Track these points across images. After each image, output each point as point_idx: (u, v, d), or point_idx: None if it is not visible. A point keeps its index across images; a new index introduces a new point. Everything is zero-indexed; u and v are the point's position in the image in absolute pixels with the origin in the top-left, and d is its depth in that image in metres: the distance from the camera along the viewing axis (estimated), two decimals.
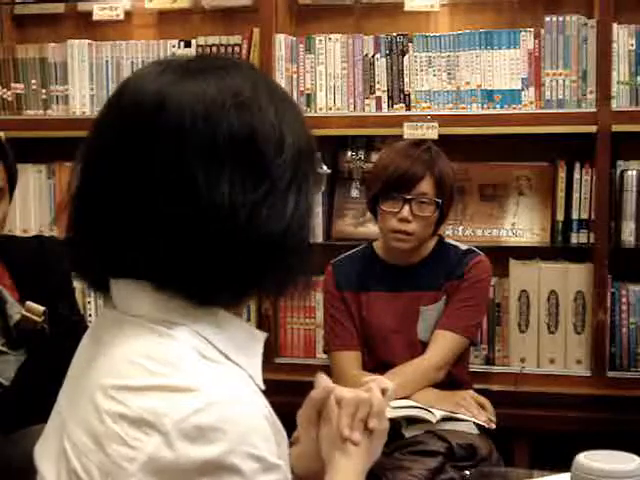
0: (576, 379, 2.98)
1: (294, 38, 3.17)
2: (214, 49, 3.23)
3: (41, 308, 2.32)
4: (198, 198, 0.98)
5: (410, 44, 3.08)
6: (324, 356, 2.92)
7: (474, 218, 3.17)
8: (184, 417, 0.93)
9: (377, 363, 2.64)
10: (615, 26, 2.92)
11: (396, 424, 2.39)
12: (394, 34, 3.10)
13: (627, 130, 2.90)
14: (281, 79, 3.12)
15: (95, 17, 3.29)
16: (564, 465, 1.59)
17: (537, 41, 3.00)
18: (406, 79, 3.09)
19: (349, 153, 3.30)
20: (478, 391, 2.66)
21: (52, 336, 2.32)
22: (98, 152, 1.05)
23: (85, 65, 3.33)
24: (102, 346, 1.04)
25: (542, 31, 2.99)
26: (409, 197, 2.55)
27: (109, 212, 1.02)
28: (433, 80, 3.07)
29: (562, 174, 3.05)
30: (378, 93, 3.11)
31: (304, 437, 1.30)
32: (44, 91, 3.38)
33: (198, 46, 3.24)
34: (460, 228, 3.16)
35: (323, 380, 1.27)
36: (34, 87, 3.38)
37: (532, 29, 3.01)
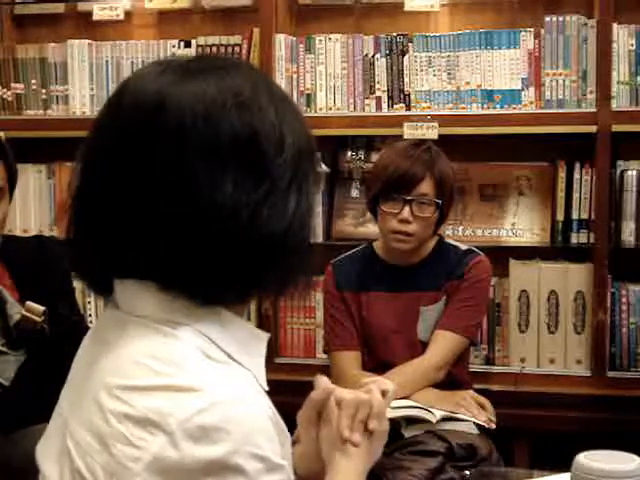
0: (576, 379, 2.98)
1: (294, 38, 3.17)
2: (214, 49, 3.23)
3: (41, 308, 2.32)
4: (200, 198, 0.98)
5: (410, 44, 3.08)
6: (324, 356, 2.92)
7: (474, 218, 3.17)
8: (189, 417, 0.93)
9: (377, 363, 2.64)
10: (615, 26, 2.92)
11: (396, 424, 2.39)
12: (394, 34, 3.10)
13: (627, 130, 2.90)
14: (281, 79, 3.12)
15: (95, 17, 3.29)
16: (564, 465, 1.59)
17: (537, 41, 3.00)
18: (406, 79, 3.09)
19: (349, 153, 3.30)
20: (478, 391, 2.66)
21: (52, 336, 2.32)
22: (98, 152, 1.05)
23: (85, 65, 3.33)
24: (105, 346, 1.04)
25: (542, 31, 2.99)
26: (409, 198, 2.55)
27: (109, 212, 1.02)
28: (433, 80, 3.07)
29: (562, 174, 3.05)
30: (378, 93, 3.11)
31: (304, 438, 1.30)
32: (44, 91, 3.38)
33: (198, 46, 3.24)
34: (460, 228, 3.16)
35: (323, 381, 1.27)
36: (34, 87, 3.38)
37: (532, 29, 3.01)
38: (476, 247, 2.72)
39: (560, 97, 2.98)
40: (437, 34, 3.09)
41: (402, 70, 3.09)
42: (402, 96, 3.10)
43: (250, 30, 3.19)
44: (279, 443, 0.99)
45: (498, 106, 3.03)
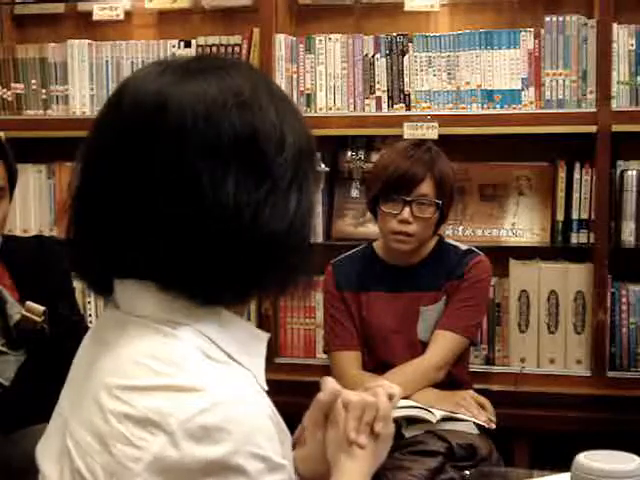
0: (576, 379, 2.98)
1: (294, 38, 3.17)
2: (214, 49, 3.23)
3: (41, 308, 2.32)
4: (202, 198, 0.98)
5: (410, 44, 3.08)
6: (324, 356, 2.92)
7: (474, 218, 3.17)
8: (189, 417, 0.93)
9: (377, 363, 2.64)
10: (615, 26, 2.92)
11: (396, 424, 2.39)
12: (394, 34, 3.10)
13: (627, 130, 2.90)
14: (281, 79, 3.12)
15: (95, 17, 3.29)
16: (564, 465, 1.59)
17: (537, 41, 3.00)
18: (406, 79, 3.09)
19: (349, 153, 3.30)
20: (478, 391, 2.66)
21: (52, 336, 2.32)
22: (98, 152, 1.05)
23: (85, 65, 3.33)
24: (105, 346, 1.04)
25: (542, 31, 2.99)
26: (409, 199, 2.55)
27: (109, 212, 1.02)
28: (433, 80, 3.07)
29: (562, 174, 3.05)
30: (378, 93, 3.11)
31: (310, 439, 1.30)
32: (44, 91, 3.38)
33: (198, 46, 3.24)
34: (460, 228, 3.16)
35: (330, 383, 1.27)
36: (34, 87, 3.38)
37: (532, 29, 3.01)
38: (476, 247, 2.72)
39: (560, 97, 2.98)
40: (437, 34, 3.09)
41: (402, 70, 3.09)
42: (402, 96, 3.10)
43: (250, 30, 3.19)
44: (279, 443, 0.99)
45: (498, 106, 3.03)
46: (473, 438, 2.45)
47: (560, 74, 2.98)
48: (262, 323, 3.08)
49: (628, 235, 2.96)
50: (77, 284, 2.50)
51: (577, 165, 3.02)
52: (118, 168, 1.01)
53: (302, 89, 3.16)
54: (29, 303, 2.32)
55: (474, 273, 2.63)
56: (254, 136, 1.01)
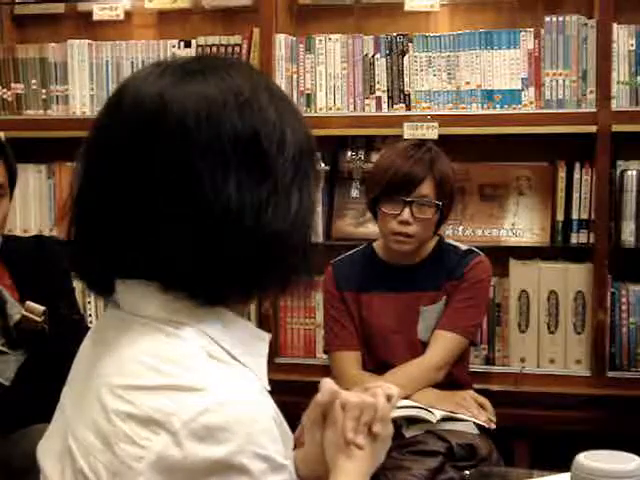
0: (576, 379, 2.98)
1: (294, 38, 3.17)
2: (214, 49, 3.23)
3: (41, 308, 2.32)
4: (202, 198, 0.98)
5: (410, 44, 3.08)
6: (324, 356, 2.92)
7: (474, 218, 3.17)
8: (193, 417, 0.93)
9: (377, 363, 2.64)
10: (615, 26, 2.92)
11: (396, 424, 2.39)
12: (394, 34, 3.10)
13: (627, 130, 2.90)
14: (281, 79, 3.12)
15: (95, 17, 3.29)
16: (564, 465, 1.59)
17: (537, 41, 3.00)
18: (406, 79, 3.09)
19: (349, 153, 3.30)
20: (478, 391, 2.66)
21: (52, 336, 2.33)
22: (98, 153, 1.05)
23: (85, 65, 3.33)
24: (107, 346, 1.04)
25: (542, 31, 2.99)
26: (409, 199, 2.55)
27: (109, 212, 1.02)
28: (433, 80, 3.07)
29: (562, 174, 3.05)
30: (378, 93, 3.11)
31: (309, 440, 1.30)
32: (44, 91, 3.38)
33: (198, 46, 3.24)
34: (460, 228, 3.16)
35: (328, 384, 1.27)
36: (34, 87, 3.38)
37: (532, 29, 3.01)
38: (476, 247, 2.72)
39: (560, 97, 2.98)
40: (437, 34, 3.09)
41: (402, 70, 3.09)
42: (402, 96, 3.10)
43: (250, 30, 3.19)
44: (282, 444, 0.99)
45: (498, 106, 3.03)
46: (473, 438, 2.45)
47: (560, 74, 2.98)
48: (262, 323, 3.08)
49: (628, 235, 2.96)
50: (77, 284, 2.50)
51: (577, 165, 3.02)
52: (118, 168, 1.01)
53: (302, 89, 3.16)
54: (29, 303, 2.32)
55: (474, 273, 2.63)
56: (255, 136, 1.01)
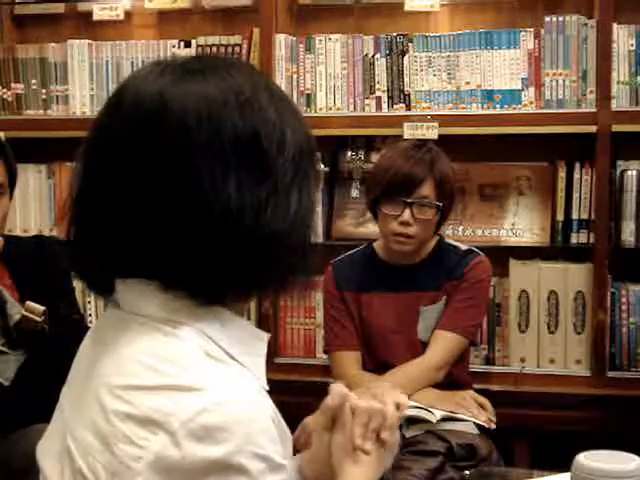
0: (576, 379, 2.98)
1: (294, 38, 3.17)
2: (214, 49, 3.23)
3: (41, 308, 2.32)
4: (202, 197, 0.98)
5: (410, 44, 3.08)
6: (324, 356, 2.92)
7: (474, 218, 3.17)
8: (191, 417, 0.93)
9: (377, 363, 2.64)
10: (615, 26, 2.92)
11: None
12: (394, 34, 3.10)
13: (627, 130, 2.90)
14: (281, 79, 3.12)
15: (95, 17, 3.29)
16: (564, 465, 1.59)
17: (537, 41, 3.00)
18: (406, 79, 3.09)
19: (349, 153, 3.30)
20: (478, 391, 2.66)
21: (52, 336, 2.33)
22: (98, 152, 1.05)
23: (85, 65, 3.33)
24: (106, 346, 1.04)
25: (542, 31, 2.99)
26: (410, 200, 2.54)
27: (109, 212, 1.02)
28: (433, 80, 3.07)
29: (562, 174, 3.05)
30: (378, 93, 3.11)
31: (317, 442, 1.31)
32: (44, 91, 3.38)
33: (198, 46, 3.24)
34: (460, 228, 3.16)
35: (338, 388, 1.28)
36: (34, 87, 3.38)
37: (532, 29, 3.01)
38: (476, 247, 2.72)
39: (560, 97, 2.98)
40: (437, 34, 3.09)
41: (402, 70, 3.09)
42: (402, 96, 3.10)
43: (250, 30, 3.19)
44: (280, 444, 0.99)
45: (498, 106, 3.03)
46: (473, 438, 2.45)
47: (560, 74, 2.98)
48: (262, 323, 3.08)
49: (628, 235, 2.96)
50: (77, 284, 2.50)
51: (577, 165, 3.02)
52: (118, 168, 1.01)
53: (302, 89, 3.16)
54: (29, 303, 2.32)
55: (474, 273, 2.63)
56: (255, 136, 1.01)
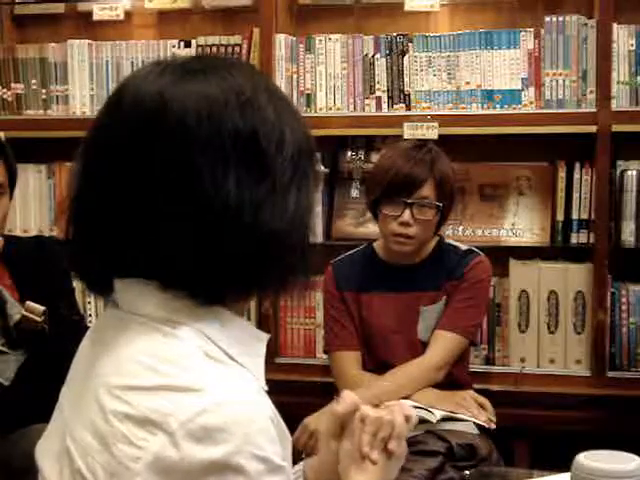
0: (576, 379, 2.98)
1: (294, 38, 3.17)
2: (214, 49, 3.23)
3: (41, 308, 2.32)
4: (202, 197, 0.98)
5: (410, 44, 3.08)
6: (324, 356, 2.92)
7: (474, 218, 3.17)
8: (190, 417, 0.93)
9: (377, 363, 2.64)
10: (615, 26, 2.92)
11: None
12: (394, 34, 3.10)
13: (627, 130, 2.90)
14: (281, 79, 3.12)
15: (95, 17, 3.29)
16: (564, 465, 1.59)
17: (537, 41, 3.00)
18: (406, 79, 3.09)
19: (349, 153, 3.30)
20: (478, 391, 2.66)
21: (52, 336, 2.33)
22: (98, 152, 1.05)
23: (85, 65, 3.33)
24: (105, 346, 1.04)
25: (542, 31, 2.99)
26: (410, 201, 2.54)
27: (109, 211, 1.02)
28: (433, 80, 3.07)
29: (562, 174, 3.05)
30: (378, 93, 3.11)
31: (324, 449, 1.31)
32: (44, 91, 3.38)
33: (198, 46, 3.24)
34: (460, 228, 3.16)
35: (349, 395, 1.28)
36: (34, 87, 3.38)
37: (532, 29, 3.01)
38: (476, 247, 2.72)
39: (560, 97, 2.98)
40: (437, 34, 3.09)
41: (402, 70, 3.09)
42: (402, 96, 3.10)
43: (250, 30, 3.19)
44: (280, 444, 0.99)
45: (498, 106, 3.03)
46: (473, 438, 2.45)
47: (560, 74, 2.98)
48: (262, 323, 3.08)
49: (628, 235, 2.96)
50: (77, 284, 2.50)
51: (577, 165, 3.02)
52: (118, 167, 1.01)
53: (302, 89, 3.16)
54: (29, 303, 2.32)
55: (474, 273, 2.63)
56: (255, 136, 1.01)
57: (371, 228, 3.07)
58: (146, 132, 1.00)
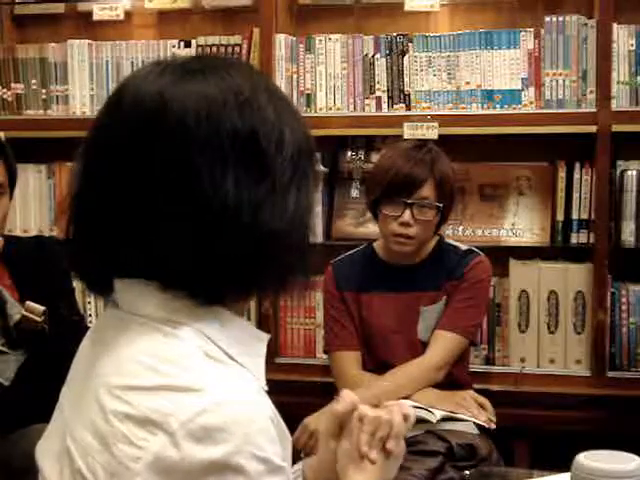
0: (576, 379, 2.98)
1: (294, 38, 3.17)
2: (214, 49, 3.23)
3: (41, 308, 2.32)
4: (202, 197, 0.98)
5: (410, 44, 3.08)
6: (324, 356, 2.92)
7: (474, 218, 3.17)
8: (191, 417, 0.93)
9: (377, 363, 2.64)
10: (615, 26, 2.92)
11: None
12: (394, 34, 3.10)
13: (627, 130, 2.90)
14: (281, 79, 3.12)
15: (95, 17, 3.29)
16: (564, 465, 1.59)
17: (537, 41, 3.00)
18: (406, 79, 3.09)
19: (349, 153, 3.30)
20: (478, 391, 2.66)
21: (52, 336, 2.33)
22: (98, 152, 1.05)
23: (85, 65, 3.33)
24: (106, 346, 1.04)
25: (542, 31, 2.99)
26: (410, 201, 2.54)
27: (109, 211, 1.02)
28: (433, 80, 3.07)
29: (562, 174, 3.05)
30: (378, 93, 3.11)
31: (323, 448, 1.31)
32: (44, 91, 3.38)
33: (198, 46, 3.24)
34: (460, 228, 3.16)
35: (348, 395, 1.28)
36: (34, 87, 3.38)
37: (532, 29, 3.01)
38: (476, 247, 2.72)
39: (560, 97, 2.98)
40: (437, 34, 3.09)
41: (402, 70, 3.09)
42: (402, 96, 3.10)
43: (250, 30, 3.19)
44: (280, 444, 0.99)
45: (498, 106, 3.03)
46: (473, 438, 2.45)
47: (560, 74, 2.98)
48: (262, 323, 3.08)
49: (628, 235, 2.96)
50: (77, 284, 2.50)
51: (577, 165, 3.02)
52: (118, 167, 1.01)
53: (302, 89, 3.16)
54: (29, 303, 2.32)
55: (474, 273, 2.63)
56: (254, 135, 1.01)
57: (371, 228, 3.07)
58: (146, 132, 1.00)
